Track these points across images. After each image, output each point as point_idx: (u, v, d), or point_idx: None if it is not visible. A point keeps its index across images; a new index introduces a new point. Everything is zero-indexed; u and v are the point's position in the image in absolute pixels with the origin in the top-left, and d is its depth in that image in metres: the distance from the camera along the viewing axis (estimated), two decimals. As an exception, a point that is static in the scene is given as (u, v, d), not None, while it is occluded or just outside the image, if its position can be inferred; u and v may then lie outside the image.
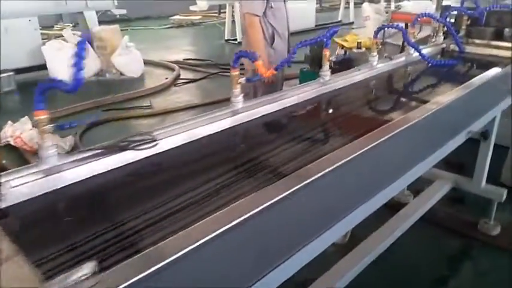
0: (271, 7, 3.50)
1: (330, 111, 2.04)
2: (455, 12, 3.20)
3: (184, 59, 7.65)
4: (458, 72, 2.60)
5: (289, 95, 1.88)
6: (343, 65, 5.07)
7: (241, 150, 1.58)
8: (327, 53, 2.02)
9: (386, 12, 10.48)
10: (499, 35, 3.03)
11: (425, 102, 1.86)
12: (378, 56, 2.39)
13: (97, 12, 7.11)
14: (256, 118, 1.69)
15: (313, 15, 10.56)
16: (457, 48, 2.88)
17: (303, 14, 10.03)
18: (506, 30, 2.98)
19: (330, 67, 5.47)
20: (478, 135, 2.28)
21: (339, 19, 11.37)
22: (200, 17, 12.39)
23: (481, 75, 2.23)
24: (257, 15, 3.43)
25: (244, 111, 1.66)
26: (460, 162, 3.33)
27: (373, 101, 2.09)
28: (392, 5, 10.46)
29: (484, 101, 2.34)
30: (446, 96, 1.88)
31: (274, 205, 1.06)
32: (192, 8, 9.91)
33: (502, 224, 2.96)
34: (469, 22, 3.16)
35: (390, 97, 2.20)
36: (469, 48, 2.90)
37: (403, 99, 2.24)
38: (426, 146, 1.76)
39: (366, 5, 8.87)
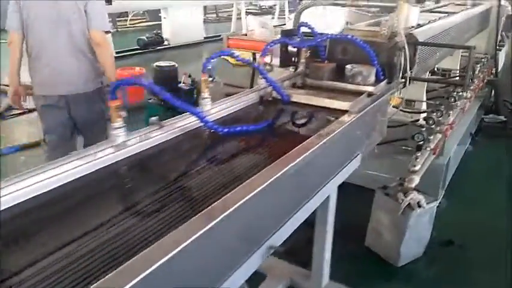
0: None
1: None
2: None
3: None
4: (269, 145, 1.73)
5: None
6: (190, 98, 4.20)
7: None
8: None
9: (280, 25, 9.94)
10: (341, 73, 2.29)
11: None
12: (123, 127, 1.48)
13: None
14: None
15: (201, 26, 9.68)
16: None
17: (188, 26, 9.13)
18: (348, 67, 2.24)
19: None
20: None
21: (232, 30, 10.61)
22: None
23: (305, 151, 1.41)
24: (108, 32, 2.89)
25: None
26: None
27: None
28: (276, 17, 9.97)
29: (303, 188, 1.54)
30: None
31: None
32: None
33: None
34: (307, 55, 2.40)
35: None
36: (298, 97, 2.09)
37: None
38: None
39: (250, 17, 8.17)
